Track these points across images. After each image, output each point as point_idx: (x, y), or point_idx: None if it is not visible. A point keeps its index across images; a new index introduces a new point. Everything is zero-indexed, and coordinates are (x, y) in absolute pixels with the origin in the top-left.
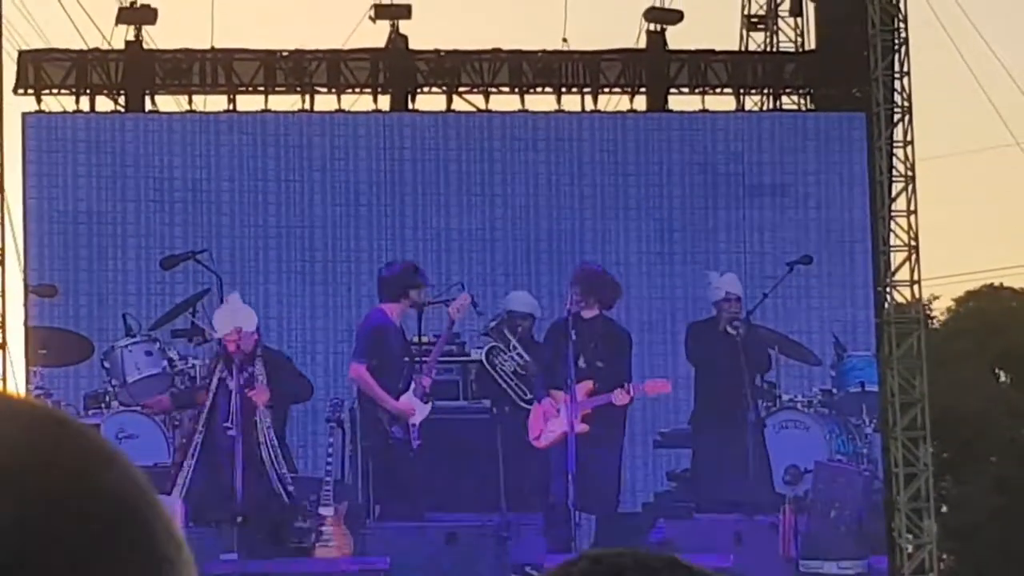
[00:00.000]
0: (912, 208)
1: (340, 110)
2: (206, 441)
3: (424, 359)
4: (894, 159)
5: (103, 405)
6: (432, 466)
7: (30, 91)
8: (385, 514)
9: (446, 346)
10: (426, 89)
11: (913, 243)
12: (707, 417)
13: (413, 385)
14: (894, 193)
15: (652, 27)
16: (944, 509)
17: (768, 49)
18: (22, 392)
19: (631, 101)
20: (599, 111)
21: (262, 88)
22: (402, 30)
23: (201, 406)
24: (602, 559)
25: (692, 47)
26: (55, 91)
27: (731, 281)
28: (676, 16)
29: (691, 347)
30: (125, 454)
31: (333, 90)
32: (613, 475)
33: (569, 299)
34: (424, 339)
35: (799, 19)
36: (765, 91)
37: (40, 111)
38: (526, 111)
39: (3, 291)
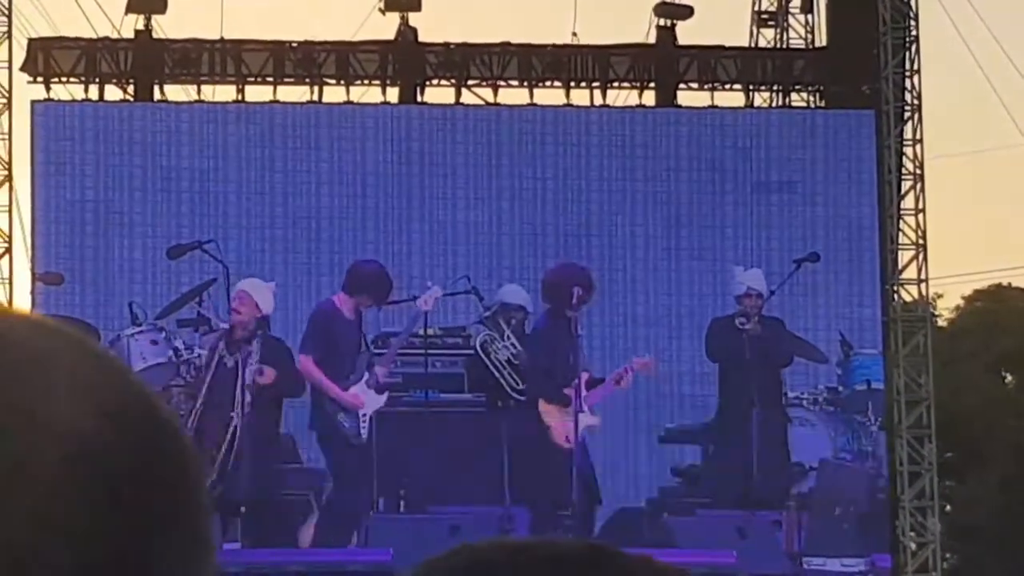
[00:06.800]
0: (920, 207)
1: (348, 102)
2: (202, 421)
3: (382, 350)
4: (903, 157)
5: None
6: (433, 459)
7: (39, 79)
8: (388, 506)
9: (449, 339)
10: (435, 82)
11: (921, 242)
12: (727, 412)
13: (366, 376)
14: (903, 191)
15: (662, 22)
16: (948, 508)
17: (778, 46)
18: None
19: (640, 96)
20: (608, 106)
21: (271, 79)
22: (412, 22)
23: (200, 385)
24: (477, 551)
25: (702, 43)
26: (64, 79)
27: (755, 277)
28: (686, 11)
29: (712, 344)
30: None
31: (342, 82)
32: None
33: (574, 296)
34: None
35: (810, 16)
36: (774, 88)
37: (49, 99)
38: (535, 105)
39: (11, 279)
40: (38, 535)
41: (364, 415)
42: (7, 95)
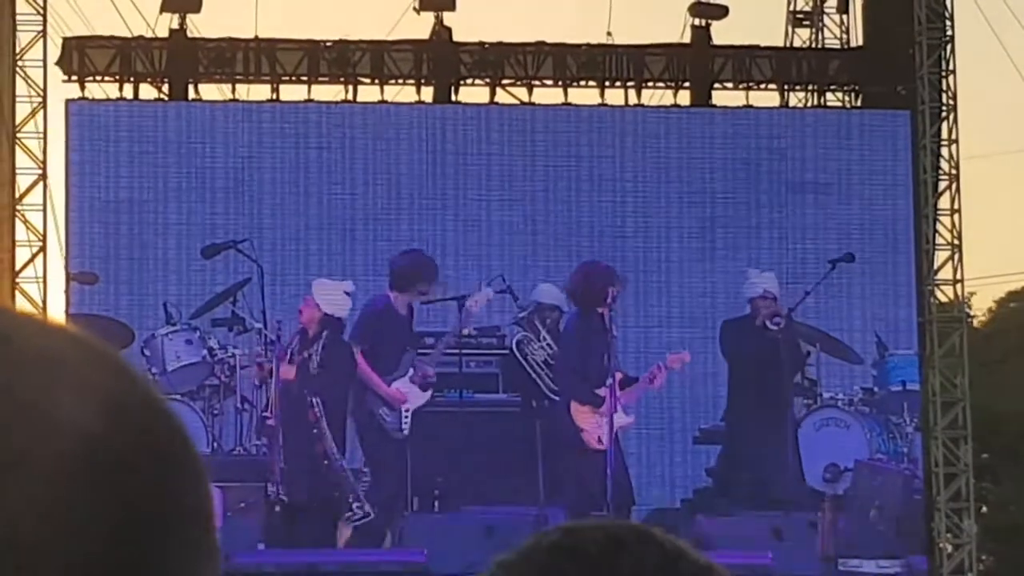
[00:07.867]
0: (956, 207)
1: (383, 101)
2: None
3: (428, 350)
4: (939, 158)
5: None
6: (468, 459)
7: (73, 78)
8: (423, 506)
9: (484, 339)
10: (469, 81)
11: (956, 242)
12: (743, 413)
13: (411, 372)
14: (938, 192)
15: (697, 22)
16: (984, 510)
17: (813, 45)
18: None
19: (675, 96)
20: (642, 105)
21: (305, 78)
22: (446, 22)
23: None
24: (575, 531)
25: (737, 42)
26: (99, 78)
27: (769, 280)
28: (721, 11)
29: (725, 343)
30: None
31: (376, 81)
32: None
33: (609, 295)
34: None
35: (845, 16)
36: (810, 87)
37: (83, 98)
38: (569, 104)
39: (44, 278)
40: (41, 529)
41: (407, 409)
42: (42, 94)
